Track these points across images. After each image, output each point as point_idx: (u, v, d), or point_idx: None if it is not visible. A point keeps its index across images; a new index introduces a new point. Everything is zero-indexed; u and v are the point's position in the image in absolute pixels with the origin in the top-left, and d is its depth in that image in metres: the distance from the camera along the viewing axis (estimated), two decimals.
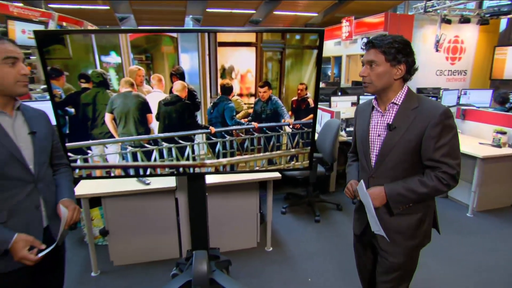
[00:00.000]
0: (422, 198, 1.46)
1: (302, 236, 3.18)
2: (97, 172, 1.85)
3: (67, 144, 1.75)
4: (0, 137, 1.28)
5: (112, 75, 1.69)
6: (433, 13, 7.21)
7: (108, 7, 11.40)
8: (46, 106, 1.67)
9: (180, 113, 1.80)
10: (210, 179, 2.52)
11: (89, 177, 1.86)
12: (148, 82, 1.75)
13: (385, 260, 1.58)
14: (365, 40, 1.46)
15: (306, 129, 1.93)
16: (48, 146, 1.48)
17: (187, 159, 1.87)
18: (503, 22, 8.82)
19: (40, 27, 5.83)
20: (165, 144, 1.83)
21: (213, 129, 1.86)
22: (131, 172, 1.87)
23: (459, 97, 4.78)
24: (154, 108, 1.77)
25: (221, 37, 1.72)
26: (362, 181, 1.51)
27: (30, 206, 1.37)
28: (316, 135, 3.74)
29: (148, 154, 1.83)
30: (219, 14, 12.54)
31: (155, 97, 1.76)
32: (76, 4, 10.47)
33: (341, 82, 8.96)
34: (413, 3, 8.75)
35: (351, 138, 2.55)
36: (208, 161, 1.90)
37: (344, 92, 4.98)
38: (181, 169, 1.89)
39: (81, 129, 1.75)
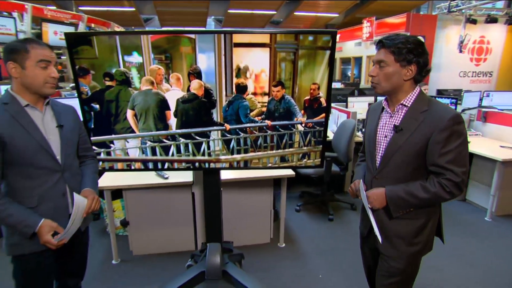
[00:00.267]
0: (423, 204, 1.43)
1: (315, 233, 3.22)
2: (119, 165, 1.97)
3: (92, 138, 1.87)
4: (31, 130, 1.40)
5: (134, 73, 1.80)
6: (457, 13, 7.01)
7: (133, 9, 11.77)
8: (75, 103, 1.78)
9: (196, 111, 1.88)
10: (226, 175, 2.60)
11: (111, 169, 1.98)
12: (167, 80, 1.84)
13: (385, 263, 1.56)
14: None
15: (318, 128, 1.98)
16: (75, 139, 1.59)
17: (203, 154, 1.95)
18: None
19: (71, 29, 6.14)
20: (182, 140, 1.92)
21: (228, 126, 1.93)
22: (150, 165, 1.97)
23: (481, 99, 4.66)
24: (172, 105, 1.86)
25: (237, 38, 1.79)
26: (362, 181, 1.52)
27: (57, 194, 1.49)
28: (332, 135, 3.77)
29: (166, 149, 1.93)
30: (241, 15, 12.68)
31: (173, 95, 1.85)
32: (104, 6, 10.87)
33: (361, 83, 8.87)
34: (437, 3, 8.54)
35: None
36: (222, 157, 1.98)
37: (362, 92, 4.96)
38: (197, 164, 1.98)
39: (104, 124, 1.87)
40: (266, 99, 1.91)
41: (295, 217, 3.55)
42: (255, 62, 1.85)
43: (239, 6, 11.73)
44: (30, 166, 1.41)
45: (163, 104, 1.86)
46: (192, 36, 1.81)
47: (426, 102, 1.41)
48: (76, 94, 1.85)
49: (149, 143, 1.92)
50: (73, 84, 3.42)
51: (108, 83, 1.80)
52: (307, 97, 1.92)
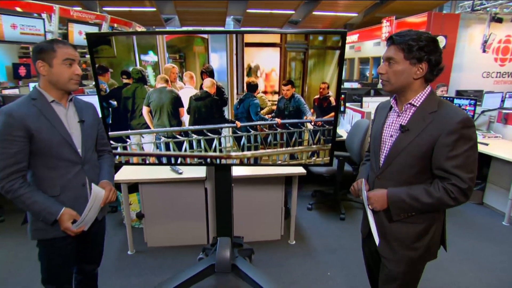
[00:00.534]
0: (425, 209, 1.38)
1: (326, 232, 3.23)
2: (134, 159, 2.07)
3: (109, 133, 1.98)
4: (56, 124, 1.51)
5: (149, 72, 1.88)
6: (481, 12, 6.82)
7: (154, 9, 12.04)
8: (96, 100, 1.90)
9: (209, 108, 1.95)
10: (238, 171, 2.66)
11: (127, 163, 2.08)
12: (181, 78, 1.91)
13: (385, 267, 1.53)
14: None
15: (327, 126, 2.00)
16: (94, 133, 1.70)
17: (215, 150, 2.02)
18: None
19: (95, 29, 6.38)
20: (194, 136, 2.00)
21: (238, 124, 1.99)
22: (164, 160, 2.06)
23: (503, 100, 4.52)
24: (185, 103, 1.93)
25: (248, 38, 1.84)
26: (364, 180, 1.51)
27: (78, 184, 1.60)
28: (345, 135, 3.77)
29: (179, 145, 2.01)
30: (259, 14, 12.73)
31: (187, 92, 1.92)
32: (126, 6, 11.18)
33: (379, 83, 8.75)
34: (460, 2, 8.31)
35: None
36: (233, 153, 2.04)
37: (377, 92, 4.92)
38: (208, 160, 2.05)
39: (121, 120, 1.96)
40: (276, 97, 1.95)
41: (306, 215, 3.58)
42: (266, 61, 1.89)
43: (258, 6, 11.79)
44: (54, 158, 1.52)
45: (176, 102, 1.93)
46: (205, 36, 1.88)
47: (436, 102, 1.34)
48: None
49: (163, 138, 2.00)
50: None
51: (125, 80, 1.89)
52: (317, 96, 1.95)
